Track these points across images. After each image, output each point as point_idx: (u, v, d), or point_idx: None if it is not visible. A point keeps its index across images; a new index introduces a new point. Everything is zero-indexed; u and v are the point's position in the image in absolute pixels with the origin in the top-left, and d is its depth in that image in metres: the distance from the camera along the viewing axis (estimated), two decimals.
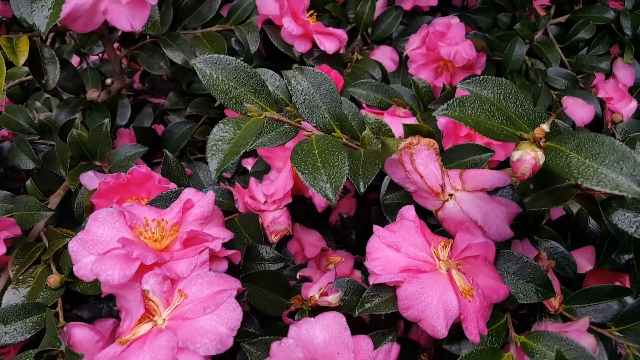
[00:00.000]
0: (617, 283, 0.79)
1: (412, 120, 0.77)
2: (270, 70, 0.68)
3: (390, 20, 0.98)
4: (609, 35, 1.03)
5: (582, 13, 1.03)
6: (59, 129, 0.89)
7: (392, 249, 0.53)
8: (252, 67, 0.93)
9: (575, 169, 0.42)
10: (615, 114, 0.93)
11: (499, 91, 0.49)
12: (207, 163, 0.50)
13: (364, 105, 0.80)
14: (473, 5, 1.14)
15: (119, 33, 0.96)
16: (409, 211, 0.57)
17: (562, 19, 1.07)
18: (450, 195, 0.58)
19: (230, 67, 0.54)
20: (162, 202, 0.66)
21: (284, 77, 0.70)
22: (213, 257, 0.57)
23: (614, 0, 1.05)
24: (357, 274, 0.78)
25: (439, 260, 0.53)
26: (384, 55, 0.95)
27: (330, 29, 0.85)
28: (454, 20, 0.89)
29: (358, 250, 0.86)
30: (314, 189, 0.50)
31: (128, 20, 0.63)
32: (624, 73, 0.99)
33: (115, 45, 0.99)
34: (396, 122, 0.77)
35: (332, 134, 0.62)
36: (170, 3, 0.90)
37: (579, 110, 0.88)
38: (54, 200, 0.85)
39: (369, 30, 1.00)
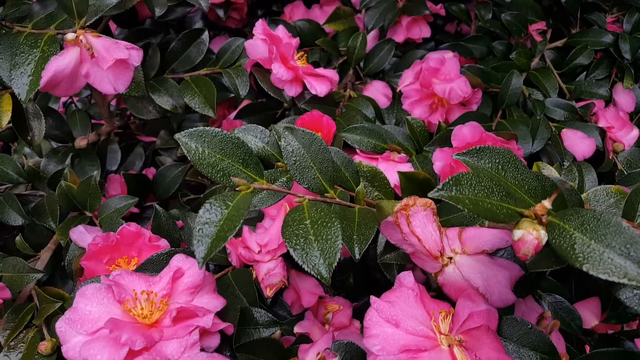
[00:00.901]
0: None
1: (407, 166, 0.75)
2: (259, 127, 0.66)
3: (383, 54, 0.96)
4: (608, 59, 1.00)
5: (579, 37, 1.01)
6: (47, 179, 0.87)
7: (391, 324, 0.50)
8: (245, 105, 0.94)
9: (580, 252, 0.39)
10: (617, 143, 0.91)
11: (497, 161, 0.47)
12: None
13: (358, 150, 0.78)
14: (467, 32, 1.11)
15: None
16: (407, 278, 0.55)
17: (559, 43, 1.04)
18: (450, 258, 0.56)
19: (217, 140, 0.52)
20: (152, 266, 0.64)
21: (274, 131, 0.68)
22: (205, 331, 0.55)
23: (612, 22, 1.02)
24: (356, 324, 0.76)
25: (440, 334, 0.51)
26: (377, 91, 0.92)
27: (321, 71, 0.83)
28: (448, 54, 0.87)
29: (356, 293, 0.84)
30: (306, 267, 0.48)
31: (111, 83, 0.61)
32: (624, 99, 0.96)
33: None
34: (391, 167, 0.75)
35: (325, 194, 0.60)
36: (157, 47, 0.87)
37: (579, 144, 0.85)
38: (45, 255, 0.83)
39: (361, 64, 0.98)
